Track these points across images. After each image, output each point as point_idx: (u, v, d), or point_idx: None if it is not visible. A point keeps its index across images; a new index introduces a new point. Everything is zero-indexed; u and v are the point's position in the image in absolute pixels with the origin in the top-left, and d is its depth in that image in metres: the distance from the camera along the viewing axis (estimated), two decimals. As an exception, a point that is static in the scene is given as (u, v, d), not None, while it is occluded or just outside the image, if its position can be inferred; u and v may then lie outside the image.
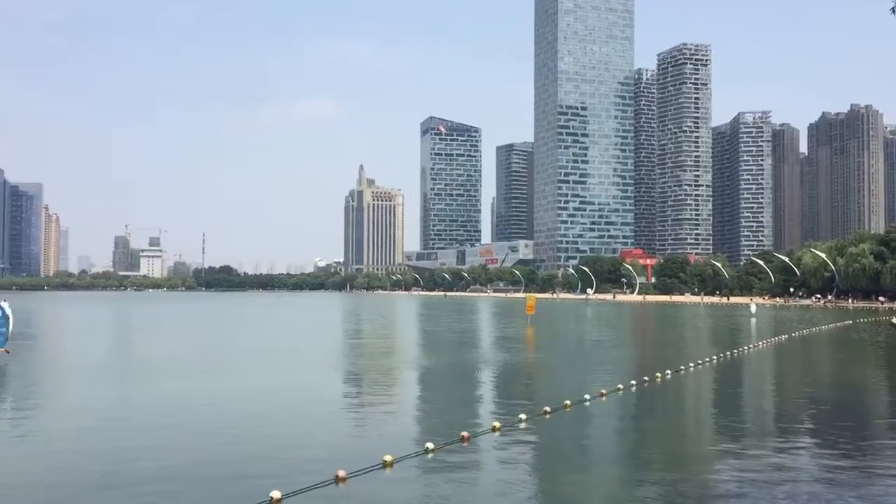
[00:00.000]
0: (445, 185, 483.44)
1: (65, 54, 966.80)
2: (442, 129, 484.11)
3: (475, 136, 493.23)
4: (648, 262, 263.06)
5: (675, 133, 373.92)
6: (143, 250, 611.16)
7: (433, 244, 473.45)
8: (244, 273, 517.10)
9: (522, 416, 18.90)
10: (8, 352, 32.72)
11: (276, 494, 11.84)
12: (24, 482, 13.20)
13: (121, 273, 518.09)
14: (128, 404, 22.01)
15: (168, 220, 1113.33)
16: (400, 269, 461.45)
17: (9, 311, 32.89)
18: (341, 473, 13.09)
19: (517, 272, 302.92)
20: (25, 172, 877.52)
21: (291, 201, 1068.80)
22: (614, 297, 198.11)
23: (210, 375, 28.89)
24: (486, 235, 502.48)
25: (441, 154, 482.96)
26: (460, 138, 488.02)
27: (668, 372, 28.07)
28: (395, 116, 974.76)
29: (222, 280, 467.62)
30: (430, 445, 15.42)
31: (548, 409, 19.83)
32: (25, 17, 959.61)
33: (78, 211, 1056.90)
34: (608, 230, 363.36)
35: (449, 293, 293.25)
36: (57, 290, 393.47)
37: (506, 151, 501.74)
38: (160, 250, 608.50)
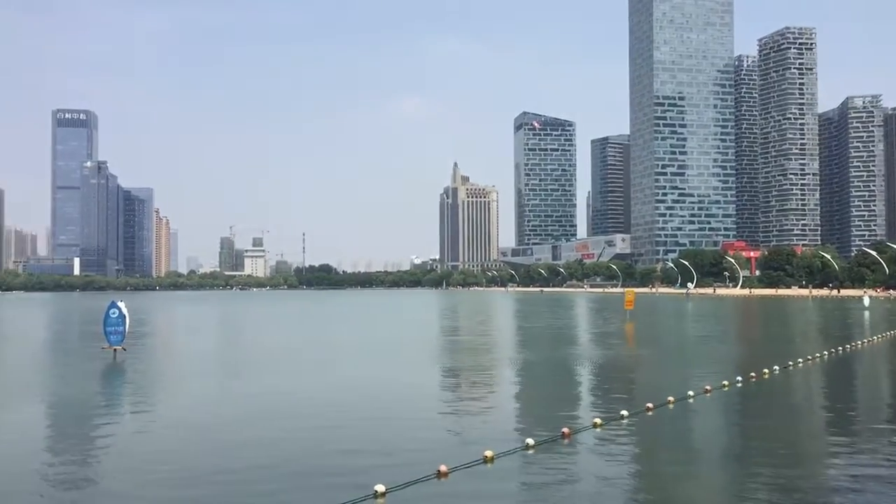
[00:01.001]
0: (540, 180, 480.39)
1: (168, 61, 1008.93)
2: (536, 125, 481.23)
3: (569, 131, 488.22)
4: (752, 254, 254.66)
5: (779, 120, 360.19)
6: (246, 250, 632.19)
7: (528, 240, 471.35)
8: (343, 271, 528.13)
9: (624, 412, 18.63)
10: (125, 349, 34.36)
11: (380, 488, 12.05)
12: (145, 471, 13.87)
13: (226, 273, 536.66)
14: (236, 398, 22.79)
15: (270, 221, 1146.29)
16: (495, 266, 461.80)
17: (125, 311, 34.48)
18: (443, 468, 13.21)
19: (614, 267, 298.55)
20: (137, 178, 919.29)
21: (388, 199, 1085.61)
22: (714, 291, 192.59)
23: (313, 370, 29.60)
24: (581, 230, 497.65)
25: (535, 149, 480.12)
26: (554, 133, 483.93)
27: (776, 368, 27.12)
28: (488, 113, 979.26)
29: (322, 278, 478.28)
30: (530, 441, 15.38)
31: (650, 405, 19.49)
32: (130, 26, 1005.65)
33: (186, 214, 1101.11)
34: (708, 222, 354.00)
35: (545, 289, 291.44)
36: (168, 289, 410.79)
37: (601, 145, 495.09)
38: (263, 250, 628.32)
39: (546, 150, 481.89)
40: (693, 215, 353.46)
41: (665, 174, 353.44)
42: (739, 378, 24.51)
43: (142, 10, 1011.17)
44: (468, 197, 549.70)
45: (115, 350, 33.71)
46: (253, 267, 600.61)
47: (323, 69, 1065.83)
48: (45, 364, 34.68)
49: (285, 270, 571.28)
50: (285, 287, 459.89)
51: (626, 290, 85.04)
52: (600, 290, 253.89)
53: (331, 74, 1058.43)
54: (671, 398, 20.47)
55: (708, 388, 22.43)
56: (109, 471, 14.17)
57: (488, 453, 14.25)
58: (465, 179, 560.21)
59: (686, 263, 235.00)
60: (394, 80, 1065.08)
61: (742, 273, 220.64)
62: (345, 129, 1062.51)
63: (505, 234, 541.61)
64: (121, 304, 34.57)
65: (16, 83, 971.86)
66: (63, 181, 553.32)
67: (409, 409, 20.51)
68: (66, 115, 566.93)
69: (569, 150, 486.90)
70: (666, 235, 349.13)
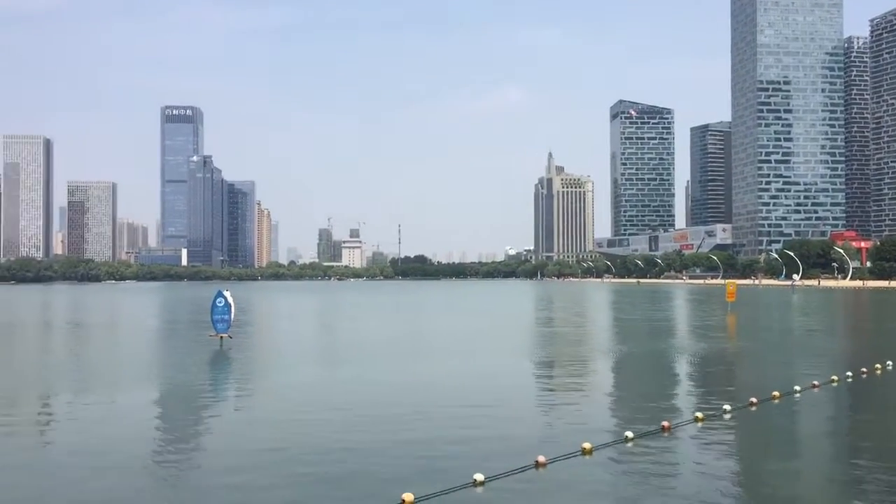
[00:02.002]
0: (636, 169, 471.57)
1: (268, 57, 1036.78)
2: (632, 113, 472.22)
3: (667, 118, 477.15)
4: (863, 244, 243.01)
5: (893, 104, 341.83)
6: (344, 242, 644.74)
7: (624, 230, 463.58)
8: (437, 262, 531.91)
9: (726, 406, 18.22)
10: (231, 337, 35.65)
11: (479, 477, 12.18)
12: (250, 452, 14.41)
13: (324, 264, 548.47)
14: (336, 386, 23.39)
15: (367, 212, 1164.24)
16: (591, 256, 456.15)
17: (231, 300, 35.74)
18: (541, 459, 13.24)
19: (714, 258, 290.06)
20: (239, 171, 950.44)
21: (482, 190, 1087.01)
22: (819, 283, 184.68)
23: (409, 360, 30.01)
24: (680, 220, 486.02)
25: (632, 138, 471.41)
26: (651, 121, 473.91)
27: (890, 363, 25.91)
28: (584, 102, 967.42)
29: (417, 269, 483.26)
30: (629, 434, 15.23)
31: (754, 399, 18.98)
32: (234, 26, 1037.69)
33: (286, 205, 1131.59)
34: (815, 211, 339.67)
35: (642, 280, 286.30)
36: (269, 280, 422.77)
37: (700, 132, 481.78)
38: (360, 241, 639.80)
39: (643, 138, 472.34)
40: (799, 204, 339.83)
41: (769, 162, 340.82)
42: (849, 373, 23.55)
43: (244, 9, 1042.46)
44: (563, 187, 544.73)
45: (221, 337, 35.00)
46: (350, 258, 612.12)
47: (418, 61, 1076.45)
48: (157, 350, 36.38)
49: (381, 261, 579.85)
50: (381, 277, 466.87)
51: (727, 281, 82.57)
52: (700, 281, 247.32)
53: (426, 66, 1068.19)
54: (776, 393, 19.87)
55: (816, 383, 21.66)
56: (216, 451, 14.80)
57: (586, 445, 14.20)
58: (560, 170, 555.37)
59: (791, 254, 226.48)
60: (488, 70, 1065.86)
61: (852, 264, 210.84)
62: (440, 119, 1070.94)
63: (600, 225, 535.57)
64: (227, 294, 35.82)
65: (128, 82, 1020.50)
66: (171, 175, 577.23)
67: (506, 400, 20.54)
68: (174, 112, 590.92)
69: (667, 139, 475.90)
70: (770, 225, 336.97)
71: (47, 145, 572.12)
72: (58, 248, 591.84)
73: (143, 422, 17.89)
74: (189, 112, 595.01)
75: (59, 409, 19.94)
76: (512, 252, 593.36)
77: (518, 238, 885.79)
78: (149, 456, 14.42)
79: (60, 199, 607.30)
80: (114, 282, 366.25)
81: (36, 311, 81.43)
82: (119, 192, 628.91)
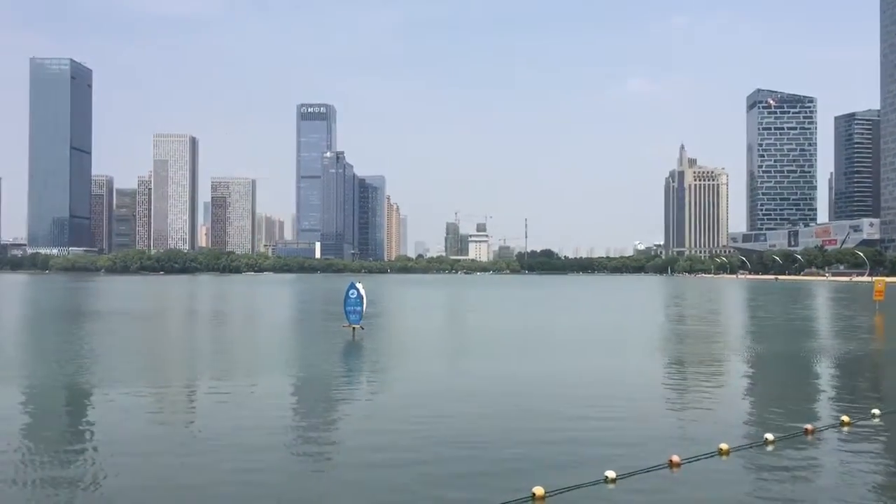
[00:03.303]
0: (775, 161, 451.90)
1: (397, 54, 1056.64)
2: (771, 102, 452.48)
3: (809, 107, 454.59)
4: None
5: None
6: (471, 236, 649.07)
7: (761, 224, 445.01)
8: (564, 256, 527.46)
9: (875, 410, 17.27)
10: (363, 328, 36.65)
11: (610, 474, 12.09)
12: (381, 438, 14.84)
13: (451, 257, 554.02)
14: (465, 377, 23.65)
15: (494, 206, 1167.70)
16: (724, 252, 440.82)
17: (363, 293, 36.71)
18: (675, 458, 13.00)
19: (860, 254, 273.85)
20: (370, 166, 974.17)
21: (611, 183, 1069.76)
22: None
23: (540, 354, 29.98)
24: (822, 214, 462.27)
25: (770, 128, 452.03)
26: (792, 110, 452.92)
27: None
28: (718, 92, 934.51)
29: (543, 263, 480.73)
30: (769, 437, 14.70)
31: (906, 405, 17.90)
32: (365, 24, 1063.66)
33: (414, 200, 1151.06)
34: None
35: (780, 277, 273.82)
36: (397, 273, 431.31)
37: (846, 121, 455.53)
38: (486, 235, 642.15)
39: (783, 128, 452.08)
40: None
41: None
42: None
43: (375, 7, 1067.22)
44: (695, 180, 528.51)
45: (353, 328, 36.01)
46: (476, 252, 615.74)
47: (547, 52, 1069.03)
48: (294, 339, 37.92)
49: (507, 255, 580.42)
50: (507, 272, 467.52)
51: (875, 279, 77.53)
52: (845, 279, 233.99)
53: (554, 57, 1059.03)
54: (931, 399, 18.65)
55: (976, 389, 20.18)
56: (350, 438, 15.29)
57: (723, 446, 13.83)
58: (693, 162, 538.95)
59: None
60: (618, 60, 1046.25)
61: None
62: (568, 111, 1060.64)
63: (735, 219, 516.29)
64: (359, 286, 36.80)
65: (268, 82, 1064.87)
66: (306, 171, 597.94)
67: (639, 397, 20.24)
68: (309, 110, 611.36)
69: (808, 129, 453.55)
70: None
71: (193, 143, 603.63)
72: (202, 240, 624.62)
73: (281, 406, 18.74)
74: (323, 109, 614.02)
75: (204, 393, 21.11)
76: (641, 247, 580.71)
77: (647, 233, 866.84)
78: (287, 439, 15.12)
79: (205, 194, 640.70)
80: (253, 273, 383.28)
81: (185, 300, 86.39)
82: (258, 188, 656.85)
